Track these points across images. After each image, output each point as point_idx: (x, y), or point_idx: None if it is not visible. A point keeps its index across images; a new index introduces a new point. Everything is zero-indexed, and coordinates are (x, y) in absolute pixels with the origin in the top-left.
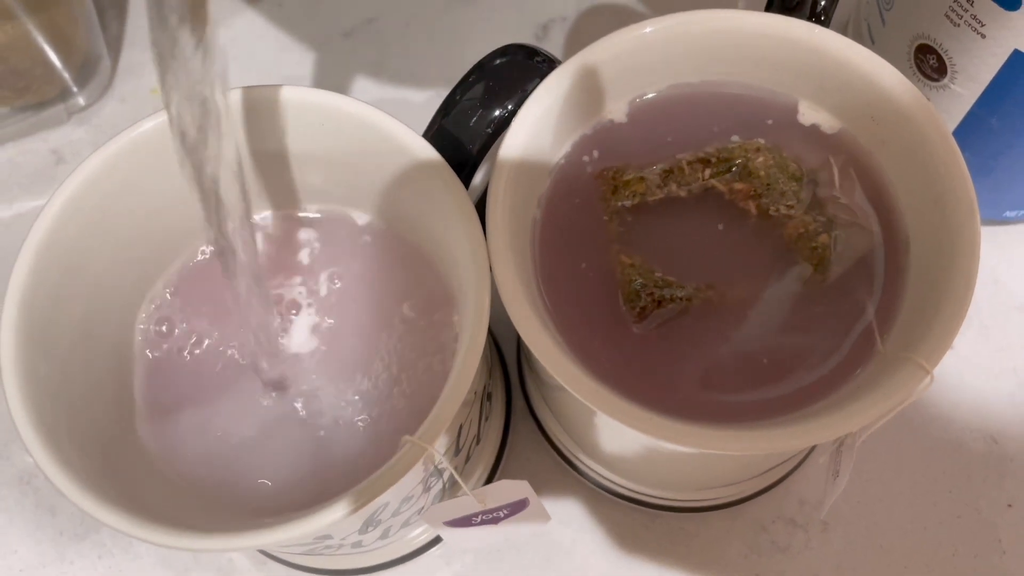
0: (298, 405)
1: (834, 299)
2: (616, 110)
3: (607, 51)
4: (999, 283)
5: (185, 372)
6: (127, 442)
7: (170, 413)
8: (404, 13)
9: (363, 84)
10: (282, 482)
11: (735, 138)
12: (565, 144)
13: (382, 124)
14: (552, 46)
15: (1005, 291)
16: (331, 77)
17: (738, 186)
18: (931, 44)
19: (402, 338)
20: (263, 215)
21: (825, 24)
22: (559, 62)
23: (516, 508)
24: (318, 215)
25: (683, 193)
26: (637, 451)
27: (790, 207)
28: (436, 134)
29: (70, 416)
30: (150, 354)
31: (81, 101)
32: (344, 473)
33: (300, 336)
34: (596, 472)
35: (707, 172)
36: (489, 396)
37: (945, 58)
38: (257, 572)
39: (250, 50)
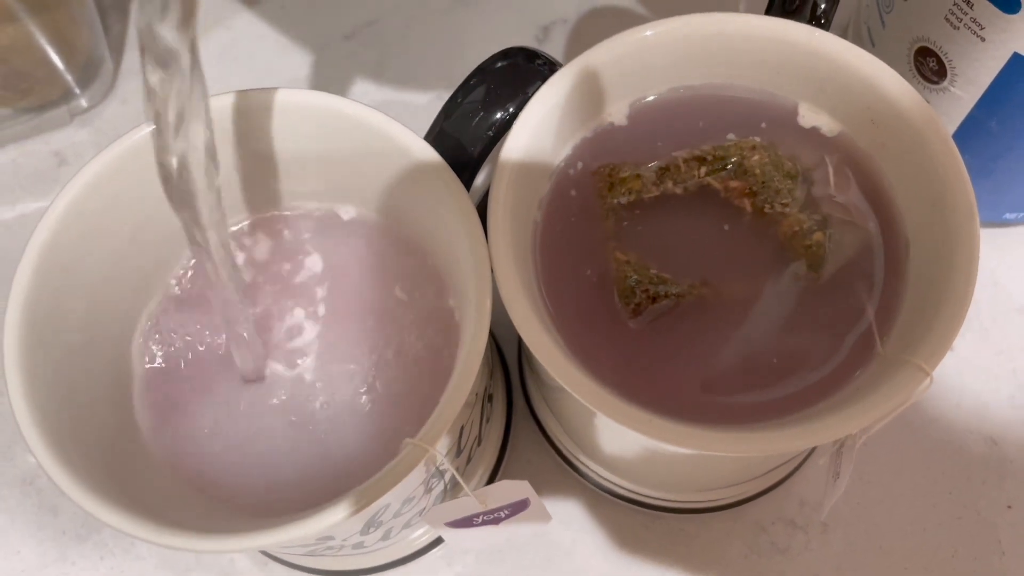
0: (298, 406)
1: (833, 301)
2: (617, 113)
3: (608, 54)
4: (999, 285)
5: (185, 373)
6: (128, 443)
7: (170, 415)
8: (405, 15)
9: (364, 86)
10: (283, 483)
11: (731, 136)
12: (566, 147)
13: (383, 127)
14: (553, 48)
15: (1005, 293)
16: (332, 79)
17: (733, 184)
18: (931, 47)
19: (402, 338)
20: (262, 215)
21: (825, 27)
22: (560, 65)
23: (517, 508)
24: (319, 214)
25: (679, 190)
26: (638, 452)
27: (785, 205)
28: (437, 136)
29: (72, 417)
30: (150, 355)
31: (83, 103)
32: (345, 474)
33: (300, 336)
34: (597, 473)
35: (703, 170)
36: (490, 398)
37: (945, 61)
38: (259, 573)
39: (251, 52)
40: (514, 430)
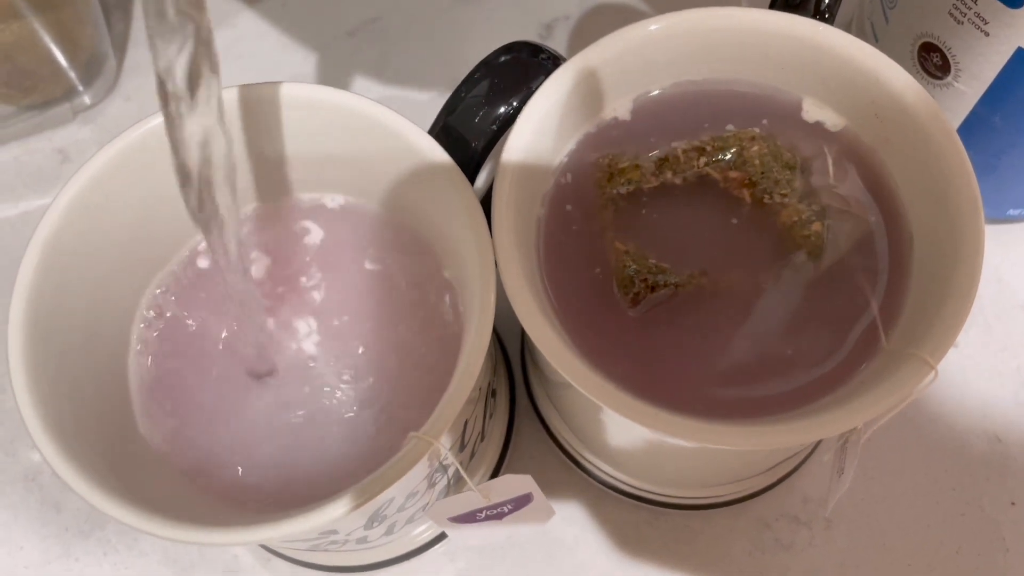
0: (301, 400)
1: (837, 294)
2: (620, 108)
3: (611, 49)
4: (1003, 282)
5: (187, 369)
6: (131, 438)
7: (172, 410)
8: (407, 12)
9: (366, 83)
10: (286, 477)
11: (730, 127)
12: (569, 141)
13: (388, 121)
14: (556, 45)
15: (1009, 290)
16: (334, 76)
17: (732, 174)
18: (935, 42)
19: (406, 332)
20: (267, 205)
21: (829, 22)
22: (564, 59)
23: (520, 503)
24: (322, 206)
25: (678, 181)
26: (642, 448)
27: (784, 195)
28: (441, 131)
29: (76, 412)
30: (152, 351)
31: (87, 100)
32: (348, 467)
33: (302, 329)
34: (600, 469)
35: (702, 160)
36: (494, 393)
37: (949, 56)
38: (262, 569)
39: (253, 49)
40: (517, 426)
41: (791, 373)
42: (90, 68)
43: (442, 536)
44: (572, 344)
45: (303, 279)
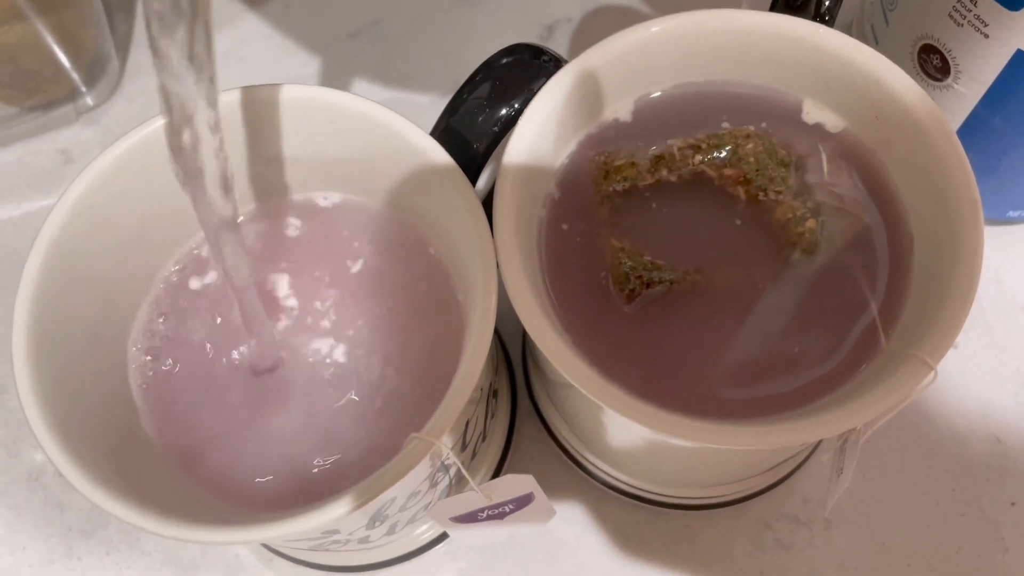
0: (301, 398)
1: (837, 295)
2: (621, 109)
3: (613, 51)
4: (1002, 283)
5: (189, 368)
6: (133, 438)
7: (174, 409)
8: (409, 15)
9: (368, 85)
10: (288, 477)
11: (725, 124)
12: (571, 143)
13: (390, 122)
14: (557, 47)
15: (1008, 291)
16: (337, 78)
17: (728, 172)
18: (935, 44)
19: (408, 332)
20: (267, 204)
21: (829, 24)
22: (565, 61)
23: (522, 503)
24: (323, 205)
25: (673, 178)
26: (642, 448)
27: (779, 192)
28: (443, 132)
29: (79, 412)
30: (154, 350)
31: (89, 101)
32: (349, 467)
33: (304, 330)
34: (601, 470)
35: (697, 158)
36: (495, 394)
37: (948, 58)
38: (264, 569)
39: (256, 51)
40: (518, 427)
41: (791, 373)
42: (93, 69)
43: (444, 536)
44: (573, 344)
45: (303, 277)
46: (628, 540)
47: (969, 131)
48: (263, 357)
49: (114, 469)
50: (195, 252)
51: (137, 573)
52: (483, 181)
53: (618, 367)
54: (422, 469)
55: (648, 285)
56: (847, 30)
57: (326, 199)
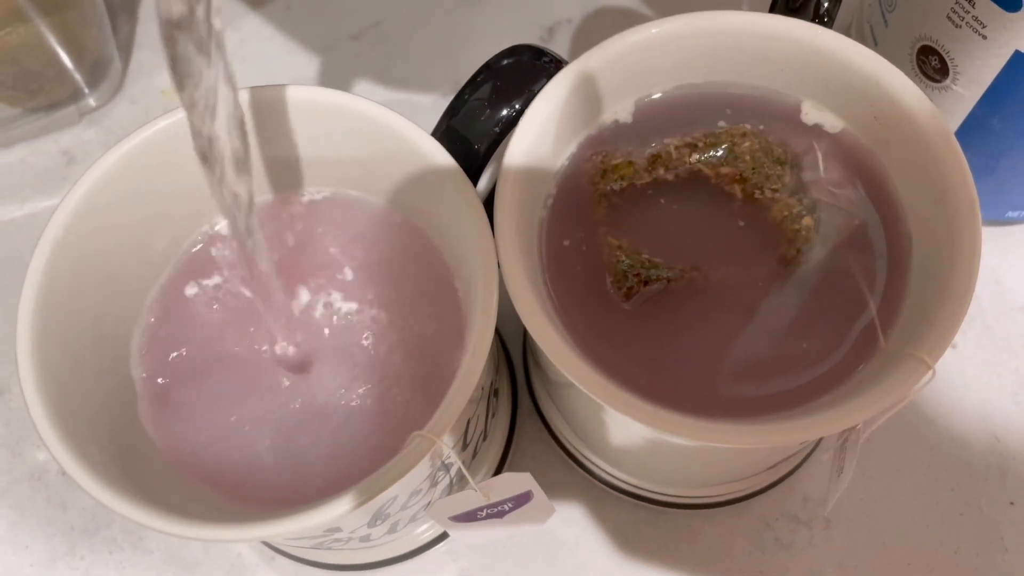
0: (303, 396)
1: (836, 295)
2: (622, 110)
3: (613, 52)
4: (1001, 284)
5: (192, 368)
6: (137, 436)
7: (177, 408)
8: (410, 16)
9: (370, 86)
10: (290, 475)
11: (721, 123)
12: (571, 144)
13: (391, 123)
14: (558, 48)
15: (1007, 291)
16: (338, 79)
17: (724, 170)
18: (933, 45)
19: (410, 331)
20: (267, 204)
21: (828, 25)
22: (566, 62)
23: (520, 501)
24: (323, 202)
25: (670, 177)
26: (642, 447)
27: (775, 190)
28: (444, 133)
29: (83, 410)
30: (158, 349)
31: (92, 102)
32: (351, 465)
33: (306, 327)
34: (602, 469)
35: (694, 156)
36: (496, 393)
37: (947, 59)
38: (266, 567)
39: (258, 52)
40: (519, 426)
41: (790, 371)
42: (95, 71)
43: (444, 535)
44: (574, 344)
45: (304, 276)
46: (628, 539)
47: (967, 132)
48: (267, 353)
49: (118, 468)
50: (198, 251)
51: (140, 572)
52: (484, 182)
53: (618, 366)
54: (423, 468)
55: (646, 283)
56: (846, 31)
57: (326, 199)
